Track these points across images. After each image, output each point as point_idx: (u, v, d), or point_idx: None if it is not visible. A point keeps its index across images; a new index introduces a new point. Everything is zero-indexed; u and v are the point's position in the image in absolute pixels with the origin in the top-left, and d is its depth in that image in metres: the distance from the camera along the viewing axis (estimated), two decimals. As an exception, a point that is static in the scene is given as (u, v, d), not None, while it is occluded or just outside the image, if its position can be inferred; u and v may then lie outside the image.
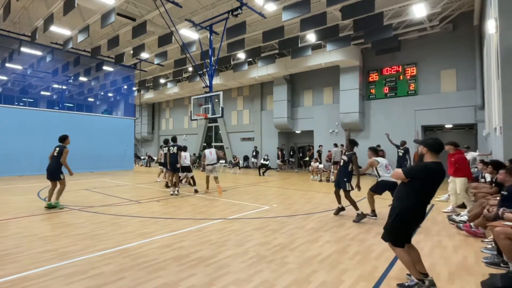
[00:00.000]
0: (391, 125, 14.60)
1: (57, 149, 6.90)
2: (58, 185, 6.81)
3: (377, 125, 15.48)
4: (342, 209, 6.24)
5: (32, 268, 3.35)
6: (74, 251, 3.93)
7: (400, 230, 2.92)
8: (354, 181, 5.98)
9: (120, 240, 4.42)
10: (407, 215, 2.86)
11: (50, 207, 6.63)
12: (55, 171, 6.75)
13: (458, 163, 6.35)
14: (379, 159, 5.94)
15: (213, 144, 23.84)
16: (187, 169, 9.62)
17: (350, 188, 5.91)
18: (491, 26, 6.71)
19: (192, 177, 9.75)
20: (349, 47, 14.42)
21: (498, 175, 4.86)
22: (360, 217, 5.67)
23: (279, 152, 18.57)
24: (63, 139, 7.06)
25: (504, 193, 4.18)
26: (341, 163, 6.14)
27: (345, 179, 5.94)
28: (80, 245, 4.18)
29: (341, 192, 6.09)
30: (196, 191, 9.25)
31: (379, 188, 5.91)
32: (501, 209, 3.78)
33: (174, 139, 9.43)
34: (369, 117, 15.93)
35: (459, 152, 6.52)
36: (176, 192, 8.80)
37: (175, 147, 9.13)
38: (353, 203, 5.83)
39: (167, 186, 10.22)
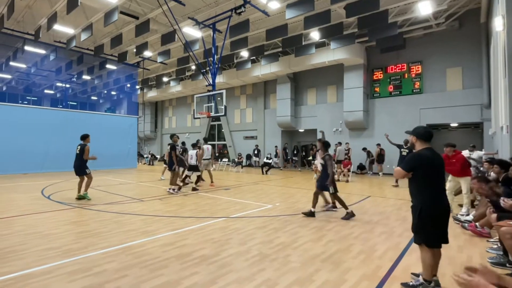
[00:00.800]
0: (396, 124, 14.48)
1: (79, 147, 7.49)
2: (86, 179, 7.51)
3: (381, 123, 15.37)
4: (312, 214, 5.88)
5: (36, 265, 3.36)
6: (77, 248, 3.94)
7: (431, 228, 2.78)
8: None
9: (123, 238, 4.43)
10: (429, 209, 2.76)
11: (80, 198, 7.36)
12: (80, 168, 7.44)
13: (460, 163, 6.26)
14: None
15: (216, 142, 23.92)
16: (194, 168, 9.37)
17: (334, 190, 5.93)
18: (498, 24, 6.61)
19: (199, 176, 9.64)
20: (354, 45, 14.31)
21: (471, 184, 4.72)
22: (349, 215, 5.77)
23: (278, 151, 18.53)
24: (84, 137, 7.60)
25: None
26: (320, 168, 6.12)
27: (327, 183, 5.91)
28: (83, 243, 4.20)
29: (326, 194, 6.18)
30: (194, 189, 9.25)
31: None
32: (502, 198, 3.73)
33: (171, 137, 9.29)
34: (373, 116, 15.82)
35: (458, 152, 6.44)
36: (176, 191, 8.70)
37: (169, 146, 9.02)
38: (342, 203, 5.91)
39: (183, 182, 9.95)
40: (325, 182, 5.92)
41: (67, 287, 2.88)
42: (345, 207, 5.85)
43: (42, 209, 6.37)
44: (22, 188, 9.53)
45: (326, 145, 6.09)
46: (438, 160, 2.87)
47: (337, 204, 6.29)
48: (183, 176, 10.05)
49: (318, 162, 6.16)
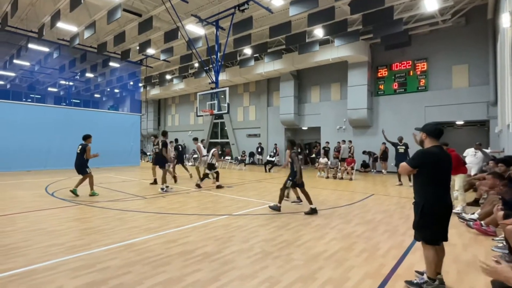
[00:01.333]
0: (400, 122, 14.38)
1: (80, 146, 7.64)
2: (87, 179, 7.60)
3: (385, 121, 15.25)
4: (314, 211, 5.98)
5: (39, 262, 3.38)
6: (80, 245, 3.96)
7: (432, 226, 2.76)
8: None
9: (125, 235, 4.44)
10: (432, 207, 2.74)
11: (74, 192, 7.46)
12: (80, 167, 7.58)
13: (454, 162, 6.20)
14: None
15: (219, 140, 23.95)
16: (212, 166, 9.42)
17: (289, 185, 6.28)
18: (505, 20, 6.51)
19: (205, 174, 9.60)
20: (358, 42, 14.20)
21: (487, 181, 4.64)
22: (275, 208, 6.11)
23: (277, 148, 18.49)
24: (86, 138, 7.74)
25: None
26: (288, 164, 6.39)
27: (290, 178, 6.21)
28: (87, 239, 4.21)
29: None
30: (197, 186, 9.32)
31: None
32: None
33: (163, 134, 9.15)
34: (378, 114, 15.71)
35: (452, 150, 6.39)
36: (167, 189, 8.55)
37: (161, 143, 8.91)
38: (281, 197, 6.21)
39: (199, 181, 9.74)
40: (290, 177, 6.21)
41: (71, 283, 2.89)
42: (280, 201, 6.15)
43: (46, 206, 6.40)
44: (25, 185, 9.60)
45: (292, 143, 6.40)
46: (446, 158, 2.83)
47: (302, 197, 6.64)
48: (202, 175, 9.83)
49: (287, 159, 6.49)
